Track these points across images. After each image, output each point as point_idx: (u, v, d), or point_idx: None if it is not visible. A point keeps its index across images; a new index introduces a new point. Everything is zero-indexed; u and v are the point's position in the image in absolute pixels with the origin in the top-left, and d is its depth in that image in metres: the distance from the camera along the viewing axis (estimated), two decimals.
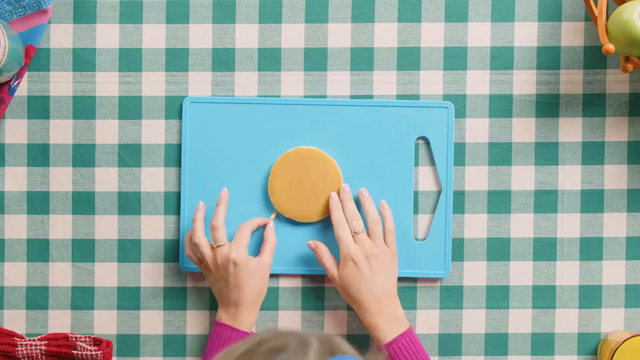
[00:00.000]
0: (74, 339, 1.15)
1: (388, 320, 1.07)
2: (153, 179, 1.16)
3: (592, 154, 1.16)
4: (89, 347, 1.13)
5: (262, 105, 1.15)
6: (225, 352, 0.75)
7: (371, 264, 1.07)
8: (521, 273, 1.16)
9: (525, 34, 1.15)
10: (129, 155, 1.16)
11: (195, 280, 1.16)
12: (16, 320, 1.17)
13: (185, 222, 1.15)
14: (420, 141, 1.16)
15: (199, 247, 1.08)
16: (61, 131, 1.16)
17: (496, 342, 1.16)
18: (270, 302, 1.16)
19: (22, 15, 1.13)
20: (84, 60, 1.16)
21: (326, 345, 0.75)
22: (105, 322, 1.17)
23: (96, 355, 1.13)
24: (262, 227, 1.14)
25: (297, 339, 0.74)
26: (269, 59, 1.16)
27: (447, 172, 1.15)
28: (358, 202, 1.13)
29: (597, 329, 1.16)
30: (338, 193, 1.13)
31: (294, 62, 1.16)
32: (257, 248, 1.15)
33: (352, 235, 1.09)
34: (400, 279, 1.15)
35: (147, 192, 1.16)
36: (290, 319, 1.16)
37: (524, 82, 1.16)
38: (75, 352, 1.13)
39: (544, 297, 1.16)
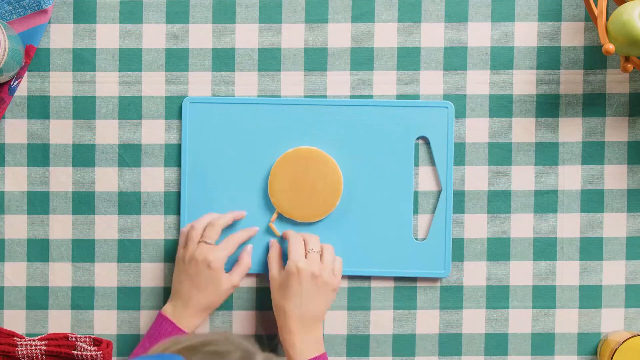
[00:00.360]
0: (74, 339, 1.15)
1: (306, 342, 1.07)
2: (153, 179, 1.16)
3: (592, 154, 1.16)
4: (89, 347, 1.13)
5: (262, 105, 1.15)
6: (172, 340, 0.76)
7: (314, 283, 1.07)
8: (521, 273, 1.16)
9: (525, 34, 1.15)
10: (129, 155, 1.16)
11: None
12: (16, 320, 1.17)
13: (185, 222, 1.15)
14: (420, 141, 1.16)
15: (192, 230, 1.09)
16: (61, 131, 1.16)
17: (496, 342, 1.16)
18: (271, 302, 1.16)
19: (22, 15, 1.13)
20: (84, 60, 1.16)
21: None
22: (105, 322, 1.17)
23: (96, 355, 1.13)
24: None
25: (242, 351, 0.75)
26: (269, 59, 1.16)
27: (447, 172, 1.15)
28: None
29: (597, 329, 1.16)
30: (335, 195, 1.13)
31: (294, 62, 1.16)
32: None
33: (306, 252, 1.09)
34: (400, 279, 1.16)
35: (147, 192, 1.16)
36: None
37: (524, 82, 1.16)
38: (75, 352, 1.13)
39: (544, 297, 1.16)
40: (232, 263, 1.14)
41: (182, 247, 1.11)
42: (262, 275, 1.16)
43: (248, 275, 1.16)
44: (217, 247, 1.09)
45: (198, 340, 0.75)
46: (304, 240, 1.10)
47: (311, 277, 1.07)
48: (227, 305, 1.16)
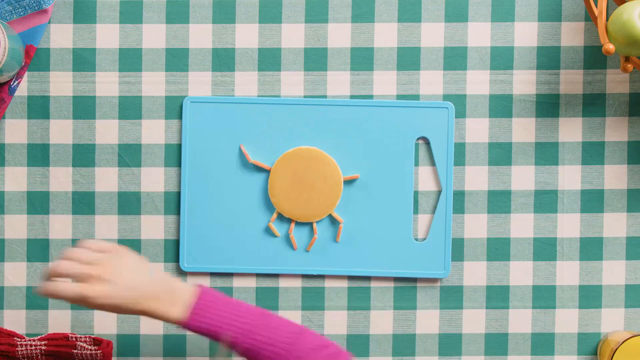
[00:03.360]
0: (74, 339, 1.15)
1: (169, 301, 0.96)
2: (153, 179, 1.16)
3: (592, 154, 1.16)
4: (89, 347, 1.13)
5: (262, 105, 1.15)
6: None
7: (109, 280, 0.94)
8: (521, 273, 1.16)
9: (525, 34, 1.15)
10: (129, 155, 1.16)
11: (195, 280, 1.16)
12: (16, 320, 1.17)
13: (185, 222, 1.15)
14: (421, 141, 1.16)
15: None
16: (61, 131, 1.16)
17: (496, 342, 1.16)
18: (271, 302, 1.16)
19: (22, 15, 1.13)
20: (84, 60, 1.16)
21: None
22: (105, 322, 1.17)
23: (95, 354, 1.13)
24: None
25: None
26: (269, 59, 1.16)
27: (447, 172, 1.15)
28: None
29: (597, 329, 1.16)
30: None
31: (294, 62, 1.16)
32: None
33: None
34: (400, 279, 1.16)
35: (147, 192, 1.16)
36: (290, 319, 1.16)
37: (524, 82, 1.16)
38: (75, 351, 1.13)
39: (544, 297, 1.16)
40: None
41: None
42: (262, 275, 1.16)
43: (249, 275, 1.16)
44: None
45: None
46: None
47: (99, 281, 0.94)
48: None
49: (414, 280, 1.16)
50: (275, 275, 1.16)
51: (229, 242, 1.16)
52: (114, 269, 0.95)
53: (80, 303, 0.94)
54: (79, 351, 1.13)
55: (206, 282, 1.16)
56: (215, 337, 0.96)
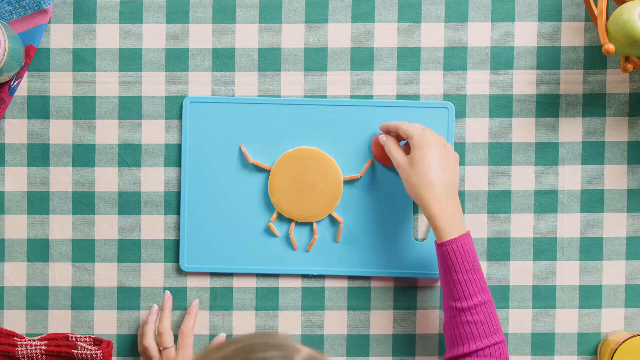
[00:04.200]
0: (74, 339, 1.15)
1: (448, 221, 1.04)
2: (153, 179, 1.16)
3: (592, 154, 1.16)
4: (89, 347, 1.13)
5: (262, 105, 1.15)
6: (208, 350, 0.74)
7: (448, 150, 1.07)
8: (521, 273, 1.16)
9: (525, 34, 1.15)
10: (129, 155, 1.16)
11: (195, 280, 1.16)
12: (16, 320, 1.17)
13: (185, 222, 1.15)
14: None
15: (148, 350, 1.12)
16: (61, 131, 1.16)
17: None
18: (270, 302, 1.16)
19: (22, 15, 1.13)
20: (84, 60, 1.16)
21: None
22: (105, 322, 1.17)
23: (95, 354, 1.13)
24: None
25: (281, 356, 0.72)
26: (269, 59, 1.16)
27: None
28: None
29: (597, 329, 1.16)
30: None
31: (294, 62, 1.16)
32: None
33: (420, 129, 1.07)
34: (400, 279, 1.16)
35: (147, 192, 1.16)
36: (290, 319, 1.16)
37: (524, 82, 1.16)
38: (75, 351, 1.13)
39: (544, 297, 1.16)
40: None
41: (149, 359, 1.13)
42: (262, 275, 1.16)
43: (249, 275, 1.16)
44: (179, 348, 1.12)
45: (235, 348, 0.73)
46: (409, 126, 1.08)
47: (444, 145, 1.06)
48: (227, 305, 1.16)
49: (414, 280, 1.16)
50: (275, 275, 1.16)
51: (229, 242, 1.16)
52: None
53: None
54: (79, 351, 1.13)
55: (206, 282, 1.16)
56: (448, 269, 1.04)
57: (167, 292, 1.15)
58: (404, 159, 1.07)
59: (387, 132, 1.12)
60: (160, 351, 1.12)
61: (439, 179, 1.04)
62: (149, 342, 1.12)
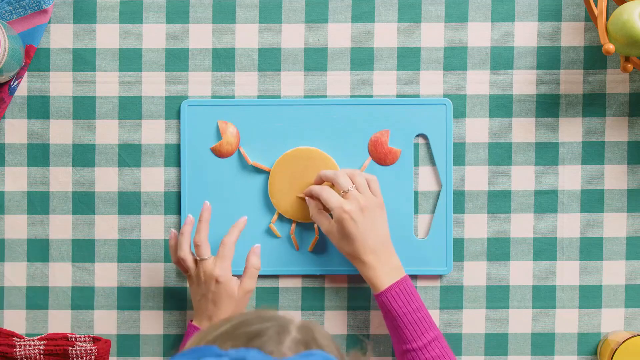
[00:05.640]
0: (73, 339, 1.15)
1: (386, 270, 1.08)
2: (153, 179, 1.16)
3: (592, 154, 1.16)
4: (85, 345, 1.13)
5: (262, 105, 1.15)
6: (205, 330, 0.75)
7: (365, 216, 1.08)
8: (521, 273, 1.16)
9: (525, 34, 1.15)
10: (129, 155, 1.16)
11: None
12: (16, 320, 1.17)
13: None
14: (420, 139, 1.16)
15: (184, 262, 1.09)
16: (61, 131, 1.16)
17: (496, 342, 1.16)
18: (270, 302, 1.16)
19: (22, 15, 1.13)
20: (84, 60, 1.16)
21: (304, 335, 0.74)
22: (105, 322, 1.17)
23: (91, 350, 1.13)
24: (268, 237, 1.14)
25: (276, 326, 0.74)
26: (269, 59, 1.16)
27: (447, 170, 1.15)
28: None
29: (597, 329, 1.16)
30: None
31: (294, 62, 1.16)
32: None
33: (342, 194, 1.08)
34: None
35: (147, 192, 1.16)
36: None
37: (524, 82, 1.16)
38: (71, 348, 1.13)
39: (544, 297, 1.16)
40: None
41: (186, 272, 1.11)
42: (262, 275, 1.16)
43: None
44: (217, 260, 1.08)
45: (231, 324, 0.74)
46: (337, 181, 1.09)
47: (361, 211, 1.07)
48: None
49: (415, 279, 1.16)
50: (276, 276, 1.16)
51: None
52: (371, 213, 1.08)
53: (318, 218, 1.10)
54: (75, 348, 1.13)
55: None
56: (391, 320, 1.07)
57: (207, 202, 1.11)
58: (329, 227, 1.09)
59: (310, 195, 1.12)
60: (196, 263, 1.09)
61: (364, 248, 1.07)
62: (185, 253, 1.08)
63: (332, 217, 1.09)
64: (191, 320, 1.10)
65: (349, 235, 1.07)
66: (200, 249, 1.08)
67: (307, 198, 1.12)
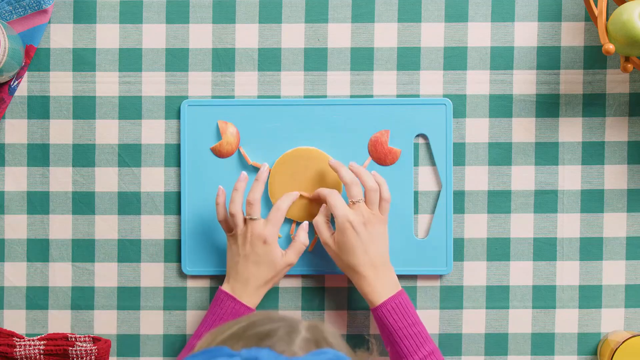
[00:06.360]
0: (73, 339, 1.15)
1: (383, 285, 1.08)
2: (153, 179, 1.16)
3: (592, 154, 1.16)
4: (85, 345, 1.13)
5: (262, 105, 1.15)
6: (214, 332, 0.76)
7: (368, 230, 1.07)
8: (521, 273, 1.16)
9: (525, 34, 1.15)
10: (129, 155, 1.16)
11: (196, 280, 1.16)
12: (16, 320, 1.17)
13: (186, 222, 1.15)
14: (420, 139, 1.16)
15: (234, 218, 1.08)
16: (61, 131, 1.16)
17: (496, 342, 1.16)
18: (271, 302, 1.16)
19: (22, 15, 1.13)
20: (84, 60, 1.16)
21: (314, 334, 0.75)
22: (105, 322, 1.17)
23: (91, 349, 1.13)
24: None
25: (286, 326, 0.74)
26: (269, 59, 1.16)
27: (447, 169, 1.15)
28: None
29: (597, 329, 1.16)
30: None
31: (294, 62, 1.16)
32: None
33: (350, 204, 1.08)
34: (401, 277, 1.15)
35: (147, 192, 1.16)
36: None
37: (524, 82, 1.16)
38: (71, 348, 1.13)
39: (544, 297, 1.16)
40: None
41: (229, 231, 1.10)
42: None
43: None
44: (268, 222, 1.08)
45: (240, 326, 0.75)
46: (350, 188, 1.08)
47: (363, 225, 1.07)
48: None
49: (414, 279, 1.16)
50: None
51: None
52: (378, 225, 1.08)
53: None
54: (75, 348, 1.13)
55: (207, 282, 1.16)
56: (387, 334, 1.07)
57: (266, 164, 1.12)
58: (329, 239, 1.09)
59: (318, 197, 1.12)
60: (246, 222, 1.08)
61: (363, 264, 1.07)
62: (237, 208, 1.08)
63: (333, 226, 1.10)
64: (220, 286, 1.10)
65: (349, 246, 1.07)
66: (252, 207, 1.07)
67: (322, 205, 1.11)
